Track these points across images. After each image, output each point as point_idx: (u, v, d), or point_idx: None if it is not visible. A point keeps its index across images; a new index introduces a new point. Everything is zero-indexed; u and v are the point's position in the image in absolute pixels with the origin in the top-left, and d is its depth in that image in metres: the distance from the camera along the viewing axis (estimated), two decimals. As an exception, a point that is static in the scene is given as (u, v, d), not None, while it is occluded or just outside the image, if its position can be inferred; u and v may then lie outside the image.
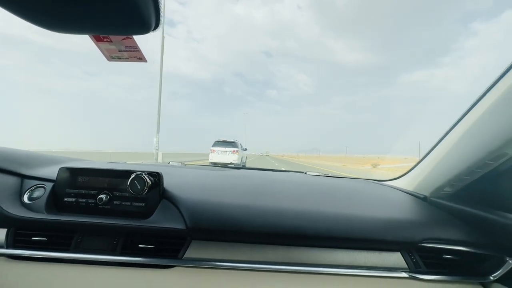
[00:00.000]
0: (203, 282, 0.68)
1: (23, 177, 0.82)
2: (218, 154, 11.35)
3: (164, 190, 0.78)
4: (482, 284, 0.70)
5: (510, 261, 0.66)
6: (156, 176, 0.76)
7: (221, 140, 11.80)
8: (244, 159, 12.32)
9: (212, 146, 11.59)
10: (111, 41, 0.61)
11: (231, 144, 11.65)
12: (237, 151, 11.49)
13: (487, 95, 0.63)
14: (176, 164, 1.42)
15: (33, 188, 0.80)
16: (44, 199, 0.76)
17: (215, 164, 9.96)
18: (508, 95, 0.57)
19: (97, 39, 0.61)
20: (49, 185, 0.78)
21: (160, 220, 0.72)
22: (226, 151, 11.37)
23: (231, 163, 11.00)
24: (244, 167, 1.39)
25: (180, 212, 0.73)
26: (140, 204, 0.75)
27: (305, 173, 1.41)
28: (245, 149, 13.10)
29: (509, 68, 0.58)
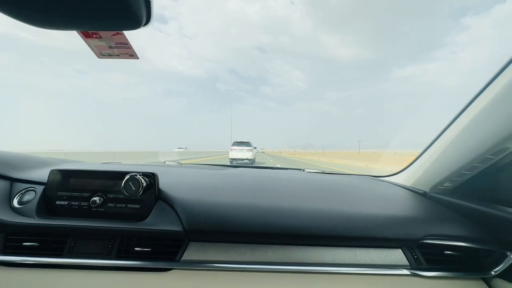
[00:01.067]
0: (202, 285, 0.66)
1: (12, 180, 0.79)
2: (237, 151, 14.21)
3: (159, 191, 0.76)
4: (483, 279, 0.70)
5: (511, 256, 0.65)
6: (151, 177, 0.74)
7: (239, 141, 15.03)
8: (254, 156, 15.38)
9: (232, 146, 14.67)
10: (100, 37, 0.59)
11: (246, 144, 14.65)
12: (251, 149, 14.43)
13: (488, 88, 0.62)
14: (172, 163, 1.40)
15: (23, 191, 0.77)
16: (35, 202, 0.73)
17: (233, 160, 13.83)
18: (509, 89, 0.56)
19: (86, 35, 0.58)
20: (40, 188, 0.76)
21: (156, 222, 0.70)
22: (242, 149, 14.24)
23: (246, 159, 14.14)
24: (241, 165, 1.38)
25: (177, 213, 0.71)
26: (135, 206, 0.73)
27: (303, 170, 1.40)
28: (255, 148, 16.32)
29: (510, 62, 0.57)
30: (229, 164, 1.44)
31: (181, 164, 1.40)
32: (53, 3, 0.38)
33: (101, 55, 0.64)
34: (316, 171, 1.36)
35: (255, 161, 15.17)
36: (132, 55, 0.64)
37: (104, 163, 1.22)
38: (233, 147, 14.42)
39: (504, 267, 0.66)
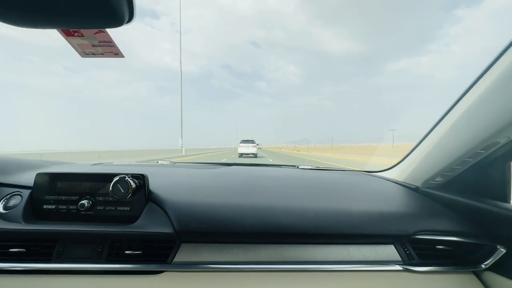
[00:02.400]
0: (195, 287, 0.65)
1: None
2: (244, 147, 19.52)
3: (150, 192, 0.75)
4: (474, 272, 0.71)
5: (501, 249, 0.66)
6: (141, 178, 0.73)
7: (245, 139, 20.48)
8: (257, 150, 20.43)
9: (240, 143, 20.16)
10: (83, 36, 0.57)
11: (251, 141, 20.02)
12: (254, 146, 19.73)
13: (478, 83, 0.62)
14: (165, 162, 1.38)
15: (8, 196, 0.75)
16: (21, 207, 0.71)
17: (242, 155, 19.23)
18: (499, 83, 0.56)
19: (67, 34, 0.56)
20: (26, 192, 0.74)
21: (147, 225, 0.68)
22: (248, 146, 19.56)
23: (252, 153, 19.36)
24: (235, 164, 1.37)
25: (167, 214, 0.70)
26: (125, 208, 0.71)
27: (297, 166, 1.40)
28: (257, 144, 20.99)
29: (499, 56, 0.57)
30: (222, 162, 1.43)
31: (174, 163, 1.38)
32: (31, 1, 0.36)
33: (84, 54, 0.62)
34: (310, 167, 1.36)
35: (257, 155, 20.86)
36: (117, 53, 0.62)
37: (94, 164, 1.20)
38: (241, 144, 19.99)
39: (494, 260, 0.67)
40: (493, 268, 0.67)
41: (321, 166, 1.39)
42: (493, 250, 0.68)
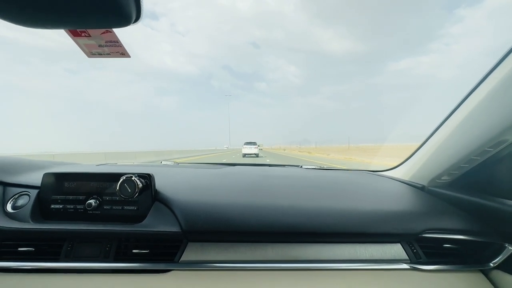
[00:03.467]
0: (202, 285, 0.65)
1: (5, 185, 0.78)
2: (247, 148, 22.53)
3: (156, 192, 0.75)
4: (482, 271, 0.70)
5: (510, 248, 0.66)
6: (147, 178, 0.73)
7: (248, 141, 23.53)
8: (258, 151, 23.70)
9: (243, 145, 23.31)
10: (90, 36, 0.57)
11: (253, 143, 23.04)
12: (256, 147, 22.86)
13: (486, 81, 0.62)
14: (169, 163, 1.39)
15: (16, 196, 0.75)
16: (29, 207, 0.72)
17: (245, 155, 22.10)
18: (507, 81, 0.56)
19: (74, 34, 0.57)
20: (33, 192, 0.74)
21: (154, 224, 0.69)
22: (251, 147, 22.63)
23: (254, 153, 22.19)
24: (238, 164, 1.38)
25: (174, 214, 0.70)
26: (132, 207, 0.72)
27: (301, 166, 1.40)
28: (258, 145, 24.12)
29: (509, 52, 0.56)
30: (226, 162, 1.44)
31: (178, 163, 1.39)
32: (39, 1, 0.37)
33: (91, 54, 0.62)
34: (313, 167, 1.36)
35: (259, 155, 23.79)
36: (123, 53, 0.62)
37: (99, 165, 1.21)
38: (244, 146, 23.10)
39: (503, 259, 0.66)
40: (501, 267, 0.67)
41: (325, 166, 1.39)
42: (501, 249, 0.67)
